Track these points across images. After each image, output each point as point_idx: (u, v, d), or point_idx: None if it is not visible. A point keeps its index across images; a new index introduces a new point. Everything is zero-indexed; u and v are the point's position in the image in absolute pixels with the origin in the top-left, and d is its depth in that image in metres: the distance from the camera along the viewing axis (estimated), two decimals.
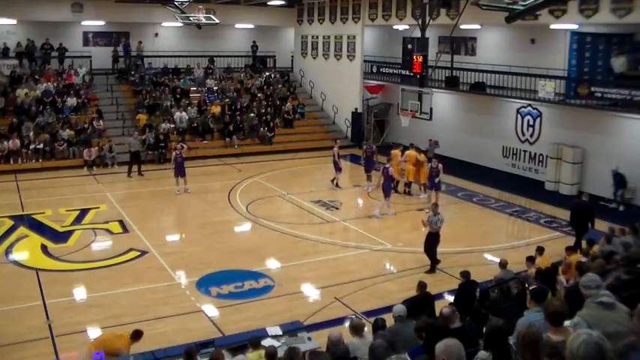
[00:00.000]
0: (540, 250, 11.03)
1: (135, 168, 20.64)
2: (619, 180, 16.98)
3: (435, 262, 12.39)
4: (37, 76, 24.66)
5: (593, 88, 17.46)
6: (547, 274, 8.76)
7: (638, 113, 16.42)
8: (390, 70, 25.25)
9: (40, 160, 21.20)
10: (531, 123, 20.62)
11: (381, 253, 13.33)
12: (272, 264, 12.96)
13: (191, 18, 21.90)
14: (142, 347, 8.64)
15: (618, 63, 17.64)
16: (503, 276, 9.82)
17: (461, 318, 6.63)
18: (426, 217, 12.46)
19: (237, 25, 29.36)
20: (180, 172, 18.23)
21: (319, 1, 27.57)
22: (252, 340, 7.35)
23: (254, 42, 30.06)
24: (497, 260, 10.65)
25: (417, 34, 18.48)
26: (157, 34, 28.72)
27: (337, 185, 19.03)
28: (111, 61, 27.14)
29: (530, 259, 10.28)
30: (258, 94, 27.48)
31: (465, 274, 9.66)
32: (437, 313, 8.19)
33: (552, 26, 18.64)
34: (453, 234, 15.24)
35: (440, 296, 10.18)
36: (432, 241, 12.35)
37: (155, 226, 15.59)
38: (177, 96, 25.81)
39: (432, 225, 12.23)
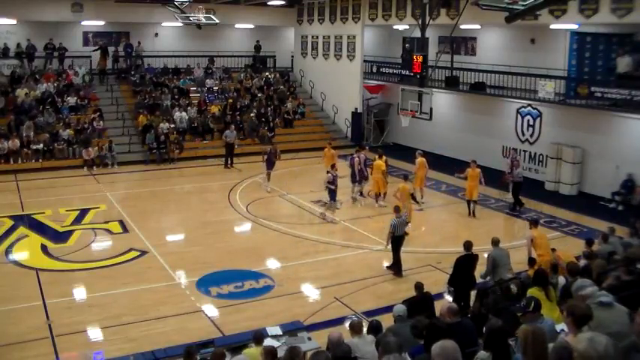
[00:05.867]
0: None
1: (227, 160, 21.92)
2: (630, 185, 16.87)
3: (399, 265, 12.29)
4: (37, 76, 24.67)
5: (593, 88, 17.46)
6: (540, 275, 8.39)
7: (638, 113, 16.43)
8: (390, 70, 25.24)
9: (40, 160, 21.20)
10: (531, 123, 20.61)
11: (381, 253, 13.31)
12: (272, 264, 12.96)
13: (191, 18, 21.92)
14: (142, 347, 8.66)
15: (623, 63, 17.62)
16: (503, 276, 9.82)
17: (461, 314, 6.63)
18: (389, 225, 12.13)
19: (237, 25, 29.33)
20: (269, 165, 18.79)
21: (319, 1, 27.57)
22: (256, 335, 7.36)
23: (257, 41, 30.02)
24: None
25: (417, 34, 18.47)
26: (157, 34, 28.68)
27: (362, 194, 17.76)
28: (111, 61, 27.13)
29: (531, 262, 10.20)
30: (258, 94, 27.47)
31: (467, 245, 10.09)
32: (437, 314, 8.20)
33: (552, 26, 18.65)
34: (453, 234, 15.27)
35: (440, 296, 10.16)
36: (397, 244, 12.22)
37: (155, 226, 15.58)
38: (176, 96, 25.80)
39: (398, 228, 12.06)
